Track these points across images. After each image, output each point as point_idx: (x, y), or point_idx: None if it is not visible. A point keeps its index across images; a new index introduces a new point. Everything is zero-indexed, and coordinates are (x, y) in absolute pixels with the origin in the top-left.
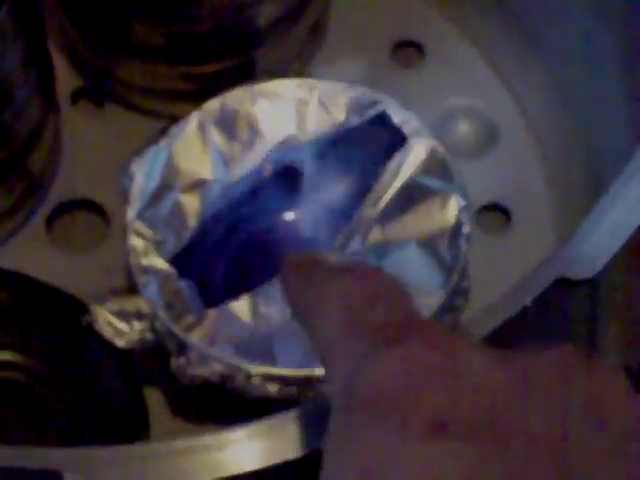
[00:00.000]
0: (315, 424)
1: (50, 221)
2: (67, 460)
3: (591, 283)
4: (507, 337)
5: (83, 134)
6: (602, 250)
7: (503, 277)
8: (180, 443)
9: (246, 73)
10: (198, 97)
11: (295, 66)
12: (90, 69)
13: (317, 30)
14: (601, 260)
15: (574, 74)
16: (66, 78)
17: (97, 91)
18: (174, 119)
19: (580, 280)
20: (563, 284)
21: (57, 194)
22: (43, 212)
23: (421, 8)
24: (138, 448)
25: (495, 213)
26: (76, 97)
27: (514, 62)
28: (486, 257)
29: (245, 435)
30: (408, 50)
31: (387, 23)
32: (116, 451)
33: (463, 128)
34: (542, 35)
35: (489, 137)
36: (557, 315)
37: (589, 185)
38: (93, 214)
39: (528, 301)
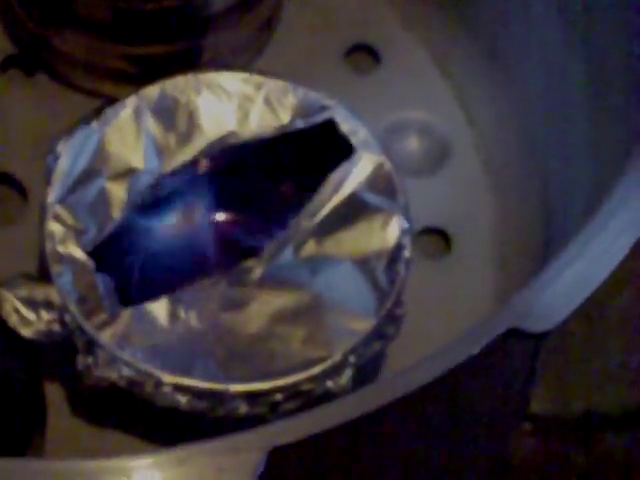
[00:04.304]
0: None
1: None
2: None
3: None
4: (451, 384)
5: (10, 104)
6: (562, 303)
7: (436, 306)
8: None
9: (192, 61)
10: (138, 80)
11: (242, 59)
12: (25, 36)
13: (270, 23)
14: (560, 314)
15: (537, 104)
16: None
17: (29, 60)
18: (110, 101)
19: (534, 333)
20: (515, 335)
21: None
22: None
23: (380, 13)
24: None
25: (435, 237)
26: (6, 65)
27: (474, 83)
28: (420, 283)
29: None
30: (362, 55)
31: (343, 24)
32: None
33: (411, 143)
34: (507, 58)
35: (437, 156)
36: (500, 365)
37: (539, 221)
38: (11, 191)
39: (476, 350)
